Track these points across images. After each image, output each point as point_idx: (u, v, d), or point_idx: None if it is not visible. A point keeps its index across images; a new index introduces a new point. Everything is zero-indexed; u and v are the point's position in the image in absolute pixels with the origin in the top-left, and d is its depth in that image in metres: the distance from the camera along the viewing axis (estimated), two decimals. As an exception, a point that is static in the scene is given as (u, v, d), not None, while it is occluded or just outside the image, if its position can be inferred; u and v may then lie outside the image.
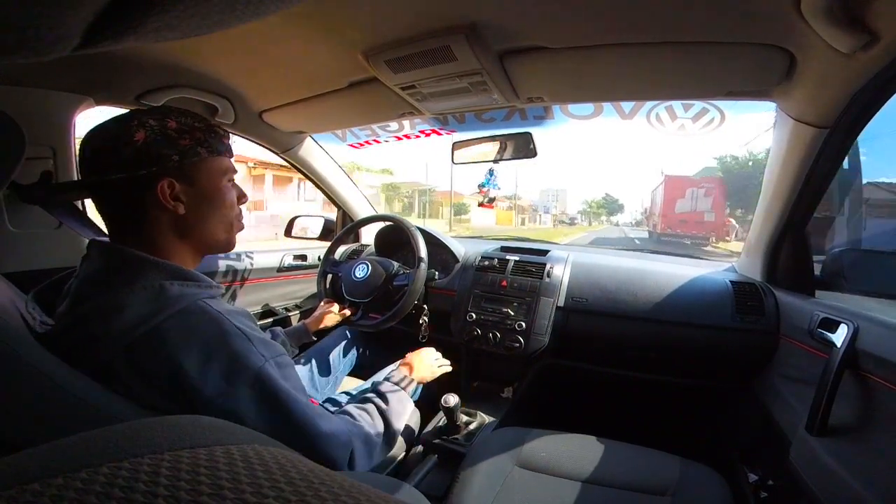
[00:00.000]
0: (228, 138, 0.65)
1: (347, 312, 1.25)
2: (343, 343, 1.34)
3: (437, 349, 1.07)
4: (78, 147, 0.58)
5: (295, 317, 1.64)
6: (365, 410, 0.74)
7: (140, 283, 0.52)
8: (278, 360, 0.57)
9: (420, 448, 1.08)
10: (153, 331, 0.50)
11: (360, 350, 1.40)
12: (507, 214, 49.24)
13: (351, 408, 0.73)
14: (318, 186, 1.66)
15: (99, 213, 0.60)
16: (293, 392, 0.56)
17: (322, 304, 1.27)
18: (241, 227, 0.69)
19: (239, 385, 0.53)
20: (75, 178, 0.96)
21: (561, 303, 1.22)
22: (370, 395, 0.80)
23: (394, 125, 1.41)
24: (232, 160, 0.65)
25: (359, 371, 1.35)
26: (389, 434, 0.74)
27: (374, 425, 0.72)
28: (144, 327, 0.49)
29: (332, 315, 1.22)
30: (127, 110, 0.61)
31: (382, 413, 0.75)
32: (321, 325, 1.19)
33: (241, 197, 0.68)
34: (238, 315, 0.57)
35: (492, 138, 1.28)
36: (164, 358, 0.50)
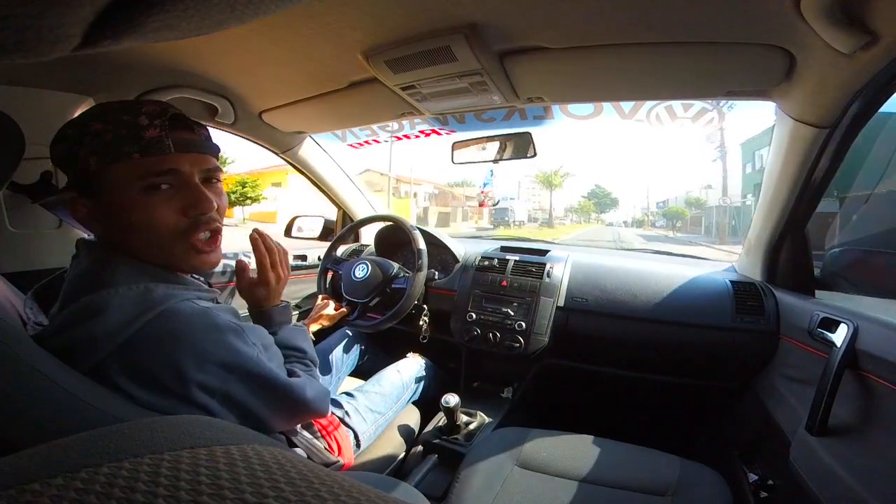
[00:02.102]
0: (149, 129, 0.49)
1: (345, 310, 1.25)
2: (343, 343, 1.34)
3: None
4: None
5: (294, 317, 1.64)
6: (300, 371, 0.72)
7: (124, 283, 0.50)
8: (265, 344, 0.61)
9: (420, 448, 1.08)
10: (141, 331, 0.49)
11: (361, 350, 1.40)
12: (403, 203, 29.48)
13: (298, 370, 0.71)
14: (317, 186, 1.66)
15: None
16: (277, 375, 0.60)
17: (319, 300, 1.27)
18: (210, 245, 0.57)
19: (236, 377, 0.54)
20: None
21: (561, 303, 1.22)
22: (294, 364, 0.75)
23: (394, 125, 1.41)
24: (153, 158, 0.50)
25: (360, 371, 1.35)
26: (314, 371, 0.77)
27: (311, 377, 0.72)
28: (131, 329, 0.48)
29: (329, 312, 1.22)
30: None
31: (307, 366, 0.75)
32: (318, 324, 1.18)
33: (191, 207, 0.53)
34: (224, 311, 0.56)
35: (492, 138, 1.28)
36: (157, 358, 0.49)
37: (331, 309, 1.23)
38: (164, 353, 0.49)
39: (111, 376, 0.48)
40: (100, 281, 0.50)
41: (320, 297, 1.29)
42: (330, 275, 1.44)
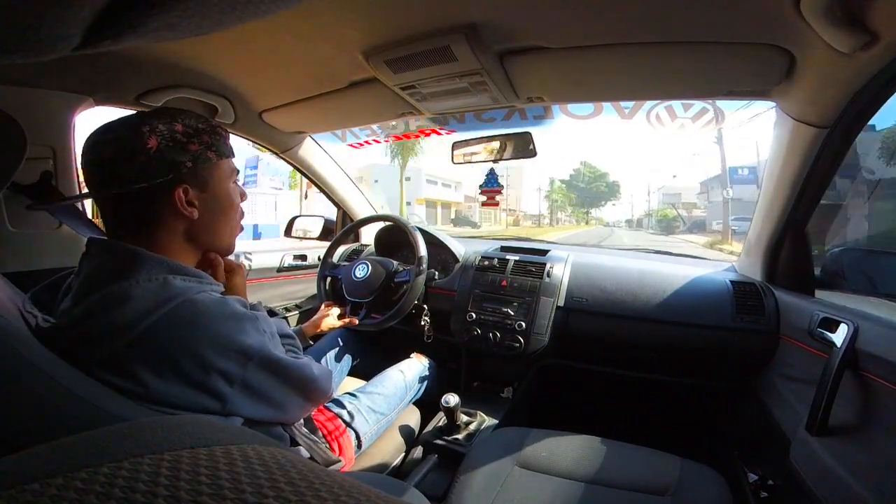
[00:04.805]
0: (230, 138, 0.65)
1: (351, 321, 1.23)
2: (341, 343, 1.33)
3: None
4: (80, 149, 0.57)
5: (294, 317, 1.64)
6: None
7: (144, 275, 0.52)
8: (272, 331, 0.63)
9: (420, 448, 1.08)
10: (163, 319, 0.50)
11: (361, 350, 1.40)
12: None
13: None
14: (317, 186, 1.66)
15: (103, 216, 0.59)
16: (288, 358, 0.63)
17: (322, 307, 1.26)
18: (242, 229, 0.69)
19: (254, 363, 0.56)
20: (75, 179, 0.96)
21: (561, 303, 1.22)
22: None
23: (394, 125, 1.41)
24: (234, 161, 0.66)
25: (359, 371, 1.35)
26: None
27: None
28: (153, 317, 0.50)
29: (331, 319, 1.20)
30: (127, 111, 0.61)
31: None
32: (318, 330, 1.16)
33: (242, 196, 0.68)
34: (236, 301, 0.59)
35: (491, 138, 1.28)
36: (178, 344, 0.51)
37: (333, 319, 1.20)
38: (186, 340, 0.51)
39: (129, 364, 0.49)
40: (120, 274, 0.52)
41: (324, 304, 1.27)
42: (329, 280, 1.43)
